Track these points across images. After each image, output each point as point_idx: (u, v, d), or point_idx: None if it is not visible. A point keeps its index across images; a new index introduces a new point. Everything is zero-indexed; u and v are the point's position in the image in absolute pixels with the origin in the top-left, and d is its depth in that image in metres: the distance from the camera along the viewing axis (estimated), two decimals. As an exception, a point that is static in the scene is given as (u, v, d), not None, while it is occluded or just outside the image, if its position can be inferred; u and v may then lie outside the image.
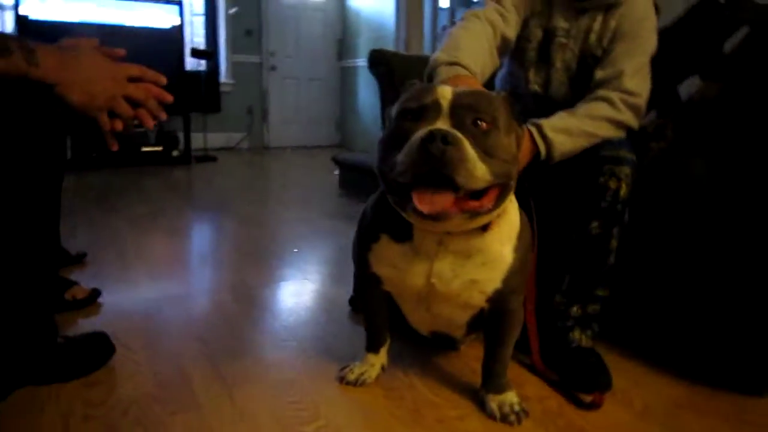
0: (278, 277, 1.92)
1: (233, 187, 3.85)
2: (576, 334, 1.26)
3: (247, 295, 1.73)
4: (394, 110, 0.95)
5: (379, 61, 2.23)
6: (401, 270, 1.03)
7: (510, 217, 1.02)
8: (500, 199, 0.92)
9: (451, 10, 3.65)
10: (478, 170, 0.83)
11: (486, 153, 0.86)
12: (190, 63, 5.16)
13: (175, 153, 4.70)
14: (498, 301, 1.05)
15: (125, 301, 1.65)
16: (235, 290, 1.76)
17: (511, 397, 1.10)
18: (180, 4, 4.71)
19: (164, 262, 2.07)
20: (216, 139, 5.68)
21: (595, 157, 1.17)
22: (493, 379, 1.11)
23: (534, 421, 1.08)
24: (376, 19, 5.25)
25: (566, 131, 1.18)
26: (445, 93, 0.89)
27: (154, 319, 1.52)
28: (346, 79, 6.31)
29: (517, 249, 1.02)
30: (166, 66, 4.54)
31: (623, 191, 1.15)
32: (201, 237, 2.44)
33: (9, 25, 4.29)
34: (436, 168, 0.81)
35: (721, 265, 1.17)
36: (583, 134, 1.19)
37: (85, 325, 1.48)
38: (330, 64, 6.37)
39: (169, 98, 1.03)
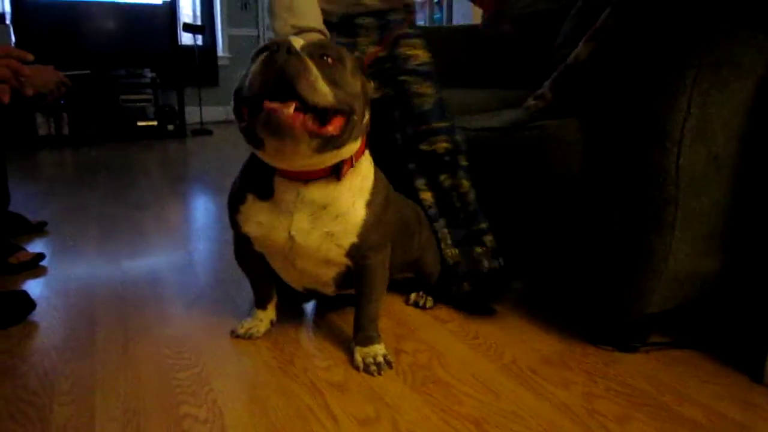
0: (222, 243, 2.01)
1: (220, 160, 3.95)
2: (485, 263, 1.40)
3: (182, 260, 1.83)
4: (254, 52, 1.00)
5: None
6: (265, 226, 1.11)
7: (362, 172, 1.11)
8: (346, 130, 0.98)
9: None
10: (320, 85, 0.89)
11: (331, 81, 0.92)
12: (187, 38, 5.25)
13: (170, 127, 4.82)
14: (357, 256, 1.13)
15: (68, 265, 1.77)
16: (172, 256, 1.87)
17: (376, 349, 1.18)
18: (172, -19, 4.78)
19: (117, 231, 2.18)
20: (213, 112, 5.79)
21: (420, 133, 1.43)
22: (360, 333, 1.20)
23: (397, 372, 1.16)
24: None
25: None
26: (298, 40, 0.98)
27: (87, 282, 1.63)
28: (345, 51, 6.34)
29: (370, 204, 1.10)
30: (158, 41, 4.67)
31: (449, 146, 1.42)
32: (165, 208, 2.55)
33: (6, 6, 4.42)
34: (280, 78, 0.87)
35: (592, 224, 1.22)
36: None
37: (28, 285, 1.60)
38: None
39: (25, 72, 1.11)
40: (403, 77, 1.49)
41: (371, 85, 1.10)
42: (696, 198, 1.10)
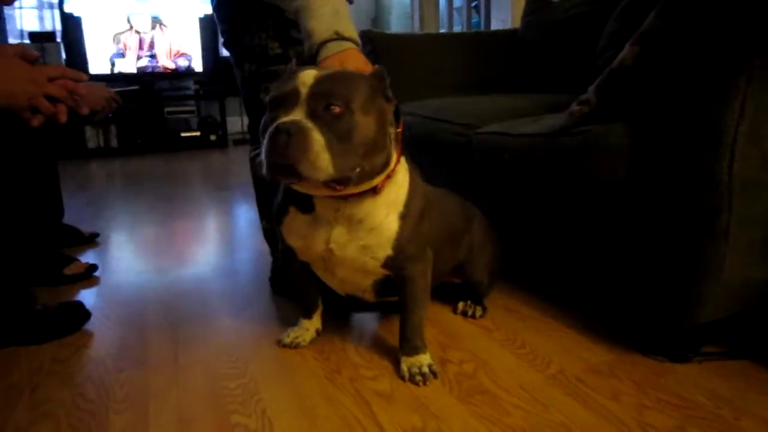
0: (263, 253, 2.04)
1: (261, 169, 4.01)
2: None
3: (227, 269, 1.87)
4: (269, 97, 1.00)
5: (365, 41, 2.29)
6: (307, 238, 1.13)
7: (398, 181, 1.10)
8: (361, 182, 1.00)
9: (467, -14, 3.65)
10: (321, 161, 0.89)
11: (339, 138, 0.92)
12: (228, 50, 5.35)
13: (212, 137, 4.92)
14: (394, 267, 1.14)
15: (119, 275, 1.83)
16: (218, 265, 1.91)
17: (422, 359, 1.18)
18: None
19: (165, 241, 2.24)
20: (255, 122, 5.88)
21: None
22: (406, 343, 1.20)
23: (443, 382, 1.16)
24: (406, -4, 5.25)
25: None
26: (306, 79, 0.95)
27: (137, 291, 1.68)
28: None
29: (404, 216, 1.10)
30: (201, 53, 4.79)
31: None
32: (209, 217, 2.61)
33: (57, 25, 4.59)
34: (283, 160, 0.89)
35: (642, 231, 1.20)
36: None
37: (81, 295, 1.66)
38: (367, 44, 6.43)
39: (81, 91, 1.15)
40: None
41: (391, 106, 1.05)
42: (749, 204, 1.07)
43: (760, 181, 1.06)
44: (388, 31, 5.67)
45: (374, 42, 2.28)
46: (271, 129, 0.90)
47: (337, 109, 0.92)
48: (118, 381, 1.18)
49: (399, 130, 1.09)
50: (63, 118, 1.13)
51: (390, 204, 1.09)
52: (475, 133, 1.66)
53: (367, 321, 1.45)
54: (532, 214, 1.52)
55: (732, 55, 1.01)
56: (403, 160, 1.12)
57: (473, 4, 4.00)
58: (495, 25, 3.23)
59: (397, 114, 1.09)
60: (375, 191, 1.06)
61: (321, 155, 0.90)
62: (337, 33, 1.17)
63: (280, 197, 1.19)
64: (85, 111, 1.19)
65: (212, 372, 1.20)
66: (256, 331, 1.40)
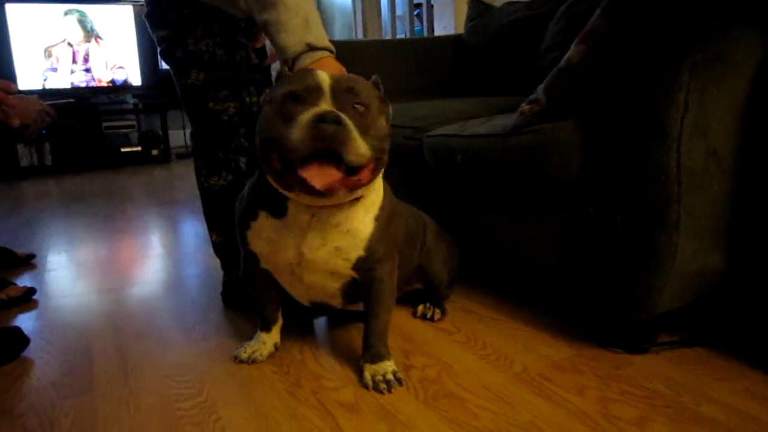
0: (213, 267, 1.98)
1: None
2: None
3: (176, 285, 1.79)
4: (276, 93, 1.00)
5: (311, 49, 2.26)
6: (275, 243, 1.11)
7: (375, 187, 1.12)
8: (375, 173, 1.02)
9: (409, -6, 3.67)
10: (362, 148, 0.93)
11: (364, 132, 0.95)
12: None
13: (154, 152, 4.78)
14: (363, 269, 1.13)
15: (59, 298, 1.73)
16: (165, 282, 1.83)
17: (385, 366, 1.15)
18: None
19: (108, 260, 2.14)
20: (198, 135, 5.74)
21: None
22: (369, 349, 1.17)
23: (408, 387, 1.13)
24: (344, 2, 5.25)
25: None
26: (324, 77, 0.98)
27: (80, 314, 1.59)
28: (326, 67, 6.32)
29: (378, 218, 1.12)
30: (139, 66, 4.64)
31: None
32: (155, 234, 2.51)
33: None
34: (327, 146, 0.90)
35: (596, 225, 1.21)
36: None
37: (18, 320, 1.56)
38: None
39: (10, 102, 1.08)
40: None
41: (389, 108, 1.11)
42: (698, 194, 1.09)
43: (707, 171, 1.09)
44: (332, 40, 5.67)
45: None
46: (314, 114, 0.91)
47: (362, 108, 0.97)
48: (63, 409, 1.10)
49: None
50: None
51: (368, 206, 1.10)
52: (426, 136, 1.65)
53: (324, 330, 1.42)
54: (485, 213, 1.52)
55: (674, 50, 1.04)
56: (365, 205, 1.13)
57: (415, 12, 4.04)
58: (438, 31, 3.26)
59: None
60: (357, 198, 1.07)
61: (361, 143, 0.93)
62: (308, 45, 1.16)
63: (246, 201, 1.15)
64: (16, 123, 1.12)
65: (165, 393, 1.14)
66: (210, 347, 1.34)
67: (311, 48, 1.17)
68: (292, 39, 1.16)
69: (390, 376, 1.14)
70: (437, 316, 1.44)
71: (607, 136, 1.15)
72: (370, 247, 1.11)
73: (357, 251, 1.10)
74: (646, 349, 1.24)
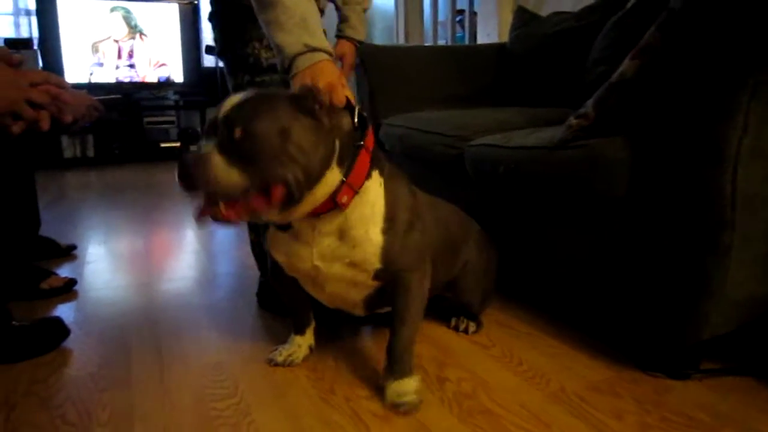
0: (248, 266, 1.99)
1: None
2: None
3: (211, 283, 1.81)
4: None
5: (354, 54, 2.27)
6: (291, 255, 1.11)
7: (370, 199, 1.06)
8: (293, 191, 0.95)
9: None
10: (223, 179, 0.90)
11: (243, 159, 0.90)
12: (209, 60, 5.29)
13: (193, 148, 4.84)
14: (387, 279, 1.11)
15: (100, 289, 1.76)
16: (202, 278, 1.85)
17: (409, 385, 1.11)
18: (197, 3, 4.85)
19: (147, 253, 2.18)
20: (236, 133, 5.81)
21: None
22: (392, 364, 1.13)
23: (443, 401, 1.12)
24: (386, 7, 5.25)
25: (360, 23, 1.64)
26: (226, 107, 0.94)
27: (119, 306, 1.62)
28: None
29: (387, 231, 1.07)
30: (182, 63, 4.72)
31: None
32: (189, 230, 2.54)
33: (34, 32, 4.50)
34: (193, 189, 0.92)
35: (642, 247, 1.18)
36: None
37: (58, 310, 1.59)
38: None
39: (64, 98, 1.10)
40: None
41: (328, 123, 0.99)
42: (753, 219, 1.06)
43: (763, 195, 1.05)
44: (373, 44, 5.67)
45: (363, 54, 2.25)
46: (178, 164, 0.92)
47: (237, 134, 0.91)
48: (101, 402, 1.12)
49: (363, 143, 1.05)
50: (45, 125, 1.07)
51: (366, 220, 1.06)
52: (468, 146, 1.64)
53: (360, 337, 1.41)
54: (526, 226, 1.50)
55: (735, 71, 1.00)
56: (376, 174, 1.07)
57: (458, 19, 4.02)
58: (481, 39, 3.24)
59: (363, 127, 1.06)
60: (338, 206, 1.02)
61: (222, 174, 0.90)
62: (306, 45, 1.11)
63: None
64: (69, 119, 1.13)
65: (200, 392, 1.15)
66: (245, 348, 1.35)
67: (309, 49, 1.14)
68: (291, 38, 1.12)
69: (412, 398, 1.09)
70: (471, 328, 1.41)
71: (658, 155, 1.12)
72: (388, 259, 1.07)
73: (373, 264, 1.07)
74: (689, 376, 1.20)
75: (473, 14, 3.64)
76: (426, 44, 3.91)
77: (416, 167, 2.00)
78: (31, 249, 1.93)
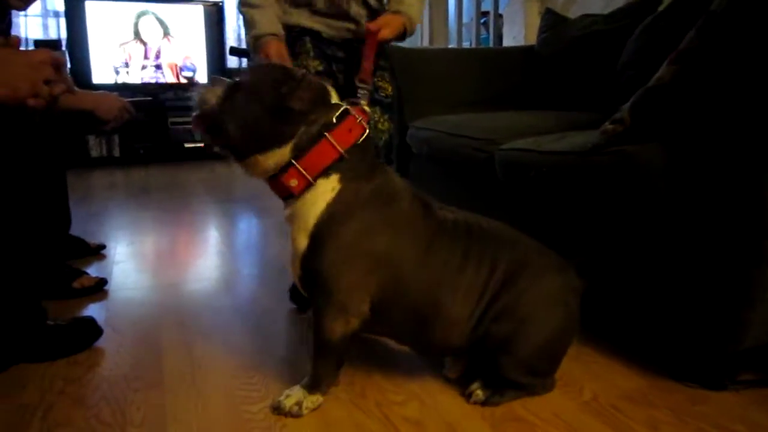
0: (276, 266, 2.00)
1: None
2: None
3: (239, 284, 1.82)
4: None
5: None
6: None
7: (315, 198, 1.03)
8: (233, 146, 1.06)
9: (476, 1, 3.62)
10: (202, 96, 1.06)
11: (226, 97, 1.04)
12: (233, 60, 5.33)
13: (216, 149, 4.87)
14: (305, 290, 1.11)
15: (129, 289, 1.78)
16: (228, 278, 1.86)
17: (297, 392, 1.09)
18: (221, 4, 4.89)
19: (174, 253, 2.20)
20: (258, 134, 5.84)
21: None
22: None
23: (475, 407, 1.11)
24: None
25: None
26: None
27: (148, 306, 1.63)
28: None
29: (313, 237, 1.02)
30: (207, 64, 4.77)
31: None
32: (214, 230, 2.56)
33: (62, 33, 4.57)
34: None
35: (680, 254, 1.16)
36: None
37: (90, 309, 1.61)
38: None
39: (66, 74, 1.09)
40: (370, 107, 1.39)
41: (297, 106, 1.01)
42: (796, 227, 1.03)
43: (807, 204, 1.03)
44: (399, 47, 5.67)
45: (390, 56, 2.24)
46: None
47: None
48: (135, 402, 1.13)
49: (327, 134, 1.02)
50: (58, 90, 1.06)
51: (302, 218, 1.04)
52: (498, 150, 1.63)
53: (391, 342, 1.40)
54: (557, 232, 1.48)
55: (780, 75, 0.98)
56: (334, 177, 1.03)
57: (482, 21, 4.00)
58: (507, 41, 3.22)
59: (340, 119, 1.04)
60: (291, 194, 1.05)
61: (205, 92, 1.06)
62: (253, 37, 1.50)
63: None
64: (62, 91, 1.10)
65: (233, 395, 1.16)
66: (276, 350, 1.35)
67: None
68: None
69: (289, 403, 1.07)
70: (476, 397, 1.12)
71: (698, 162, 1.10)
72: (305, 269, 1.04)
73: (297, 267, 1.06)
74: (725, 386, 1.18)
75: (498, 16, 3.62)
76: (450, 46, 3.90)
77: (444, 171, 1.99)
78: (63, 248, 1.95)
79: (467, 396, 1.13)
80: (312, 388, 1.09)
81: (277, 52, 1.46)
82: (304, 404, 1.07)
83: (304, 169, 1.02)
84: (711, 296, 1.10)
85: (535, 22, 2.71)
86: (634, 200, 1.22)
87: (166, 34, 4.69)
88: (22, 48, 1.09)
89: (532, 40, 2.59)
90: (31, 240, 1.32)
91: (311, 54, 1.55)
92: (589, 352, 1.34)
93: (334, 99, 1.08)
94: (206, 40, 4.81)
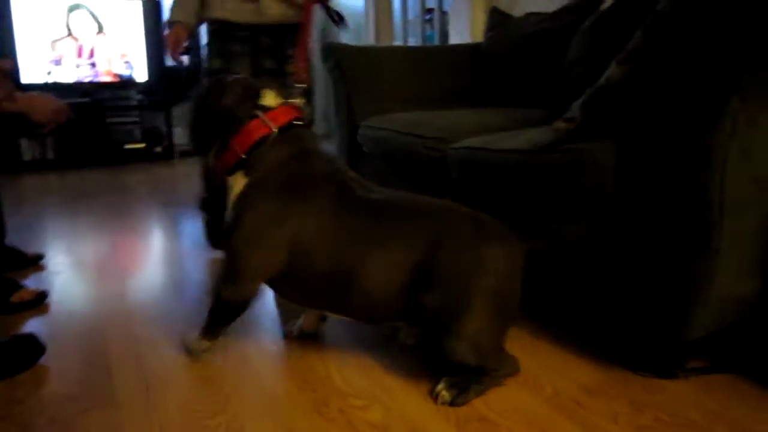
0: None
1: (212, 182, 3.87)
2: None
3: (188, 290, 1.76)
4: None
5: (328, 54, 2.24)
6: None
7: (231, 187, 1.22)
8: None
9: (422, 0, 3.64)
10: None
11: None
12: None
13: (158, 149, 4.73)
14: None
15: (72, 301, 1.69)
16: (178, 287, 1.80)
17: (191, 335, 1.33)
18: (158, 3, 4.72)
19: (117, 261, 2.11)
20: (201, 133, 5.69)
21: None
22: None
23: (438, 408, 1.11)
24: (355, 6, 5.22)
25: None
26: None
27: (94, 319, 1.56)
28: (331, 68, 6.28)
29: (232, 213, 1.20)
30: (146, 62, 4.60)
31: None
32: (162, 234, 2.48)
33: None
34: None
35: (630, 248, 1.19)
36: None
37: (31, 325, 1.52)
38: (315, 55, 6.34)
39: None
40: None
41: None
42: (739, 220, 1.07)
43: (750, 197, 1.07)
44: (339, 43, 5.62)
45: (338, 54, 2.23)
46: None
47: None
48: (86, 425, 1.07)
49: (231, 140, 1.20)
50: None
51: (229, 196, 1.23)
52: (451, 148, 1.63)
53: (348, 344, 1.39)
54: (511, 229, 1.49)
55: (723, 74, 1.02)
56: (239, 176, 1.21)
57: (427, 17, 4.01)
58: (453, 38, 3.24)
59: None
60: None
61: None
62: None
63: None
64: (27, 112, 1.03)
65: (190, 409, 1.12)
66: (231, 359, 1.31)
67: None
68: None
69: (190, 340, 1.32)
70: (443, 398, 1.11)
71: (647, 158, 1.13)
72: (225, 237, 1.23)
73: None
74: (676, 375, 1.22)
75: (443, 13, 3.64)
76: (396, 43, 3.89)
77: (395, 170, 1.99)
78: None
79: (434, 397, 1.13)
80: (205, 334, 1.29)
81: (173, 38, 1.76)
82: (196, 346, 1.30)
83: (223, 163, 1.22)
84: (660, 287, 1.14)
85: (481, 19, 2.74)
86: (586, 195, 1.24)
87: (101, 30, 4.50)
88: None
89: (478, 37, 2.62)
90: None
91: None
92: (544, 346, 1.36)
93: (268, 98, 1.23)
94: (145, 38, 4.64)
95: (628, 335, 1.27)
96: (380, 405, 1.12)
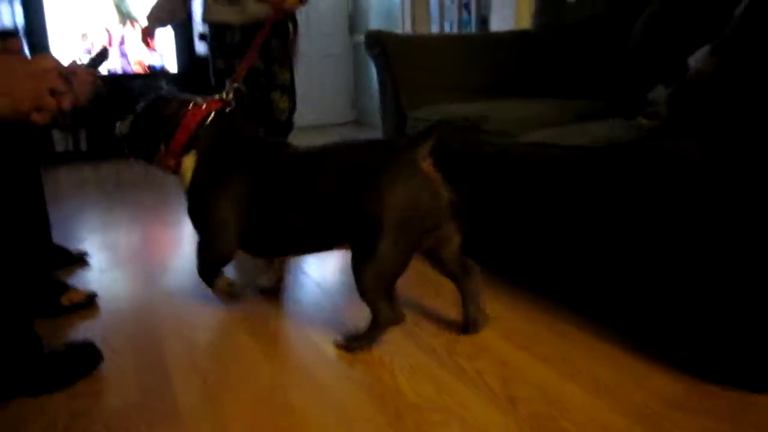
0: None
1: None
2: None
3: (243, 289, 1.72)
4: None
5: (374, 42, 2.17)
6: None
7: (183, 175, 1.46)
8: None
9: (458, -17, 3.53)
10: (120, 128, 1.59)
11: None
12: (202, 47, 5.13)
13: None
14: None
15: (121, 302, 1.66)
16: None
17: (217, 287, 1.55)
18: (187, -12, 4.67)
19: (163, 257, 2.07)
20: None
21: None
22: None
23: (520, 425, 1.05)
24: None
25: None
26: None
27: (147, 321, 1.52)
28: (359, 54, 6.19)
29: (188, 190, 1.46)
30: (176, 52, 4.56)
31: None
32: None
33: (19, 20, 4.30)
34: None
35: (720, 254, 1.11)
36: None
37: (83, 329, 1.49)
38: (342, 40, 6.26)
39: (85, 77, 0.97)
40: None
41: None
42: None
43: None
44: (367, 28, 5.52)
45: (384, 43, 2.15)
46: None
47: None
48: (152, 438, 1.03)
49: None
50: (67, 104, 0.93)
51: (182, 185, 1.48)
52: (513, 143, 1.55)
53: (408, 350, 1.32)
54: (587, 232, 1.41)
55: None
56: (190, 158, 1.43)
57: (464, 2, 3.91)
58: (494, 24, 3.14)
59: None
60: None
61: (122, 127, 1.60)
62: None
63: None
64: (71, 104, 0.97)
65: (258, 419, 1.07)
66: (290, 367, 1.26)
67: None
68: None
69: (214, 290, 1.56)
70: (338, 342, 1.34)
71: (744, 162, 1.05)
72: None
73: None
74: (768, 388, 1.14)
75: (480, -2, 3.54)
76: (433, 29, 3.79)
77: (449, 163, 1.91)
78: (47, 259, 1.79)
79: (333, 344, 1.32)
80: (207, 287, 1.54)
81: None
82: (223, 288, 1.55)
83: (177, 144, 1.42)
84: (754, 294, 1.06)
85: (527, 4, 2.63)
86: (671, 199, 1.16)
87: (132, 20, 4.47)
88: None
89: (522, 24, 2.51)
90: (15, 254, 1.18)
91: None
92: (622, 355, 1.29)
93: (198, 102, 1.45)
94: (174, 28, 4.59)
95: (717, 345, 1.19)
96: (457, 419, 1.07)
